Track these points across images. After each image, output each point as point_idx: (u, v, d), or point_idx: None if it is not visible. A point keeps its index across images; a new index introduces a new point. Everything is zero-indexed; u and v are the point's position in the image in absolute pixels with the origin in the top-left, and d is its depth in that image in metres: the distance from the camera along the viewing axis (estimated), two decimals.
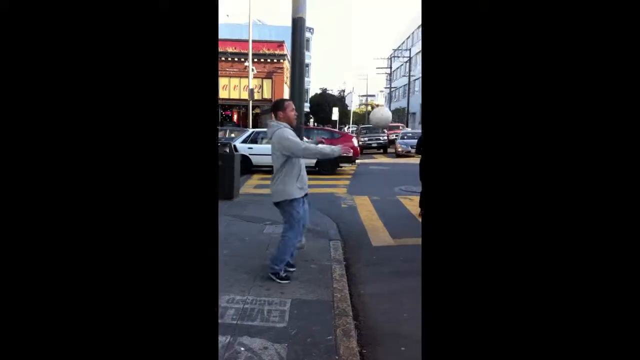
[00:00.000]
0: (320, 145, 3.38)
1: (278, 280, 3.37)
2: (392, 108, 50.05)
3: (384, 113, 3.26)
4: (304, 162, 3.45)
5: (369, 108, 60.94)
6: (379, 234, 5.27)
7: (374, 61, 76.53)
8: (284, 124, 3.32)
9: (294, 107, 3.46)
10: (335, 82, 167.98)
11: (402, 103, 46.63)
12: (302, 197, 3.39)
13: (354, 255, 4.42)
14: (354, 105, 24.51)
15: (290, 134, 3.25)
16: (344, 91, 56.63)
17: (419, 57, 46.13)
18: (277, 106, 3.42)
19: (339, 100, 49.48)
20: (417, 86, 46.33)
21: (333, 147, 3.41)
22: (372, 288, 3.56)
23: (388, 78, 51.34)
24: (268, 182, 3.59)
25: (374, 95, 73.27)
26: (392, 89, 53.40)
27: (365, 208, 6.70)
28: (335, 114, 24.50)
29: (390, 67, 48.73)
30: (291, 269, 3.59)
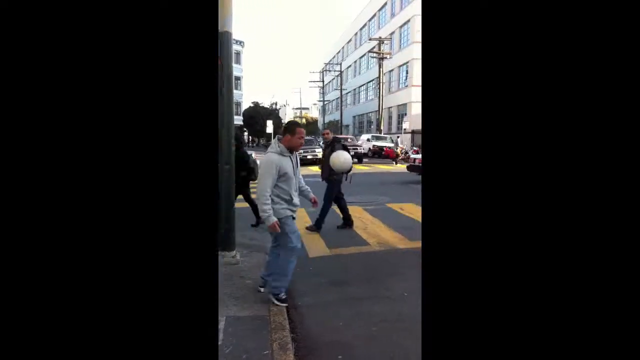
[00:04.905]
0: (265, 208, 3.09)
1: (277, 302, 3.28)
2: (326, 120, 50.99)
3: (346, 159, 3.14)
4: (295, 187, 3.34)
5: (303, 120, 61.58)
6: (315, 245, 5.30)
7: (307, 74, 77.69)
8: (280, 149, 3.21)
9: (304, 134, 3.36)
10: (267, 96, 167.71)
11: (335, 115, 47.67)
12: (292, 217, 3.31)
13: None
14: (287, 118, 24.72)
15: (272, 166, 3.12)
16: (276, 104, 56.77)
17: (350, 71, 47.61)
18: (286, 129, 3.30)
19: (272, 113, 49.49)
20: (349, 99, 47.67)
21: (270, 220, 3.10)
22: (309, 299, 3.57)
23: (321, 91, 52.32)
24: None
25: (307, 108, 74.25)
26: (325, 102, 54.45)
27: (301, 220, 6.72)
28: (269, 127, 24.50)
29: (323, 81, 49.72)
30: (261, 289, 3.53)
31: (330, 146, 5.97)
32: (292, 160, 3.27)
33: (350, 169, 3.35)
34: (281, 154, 3.21)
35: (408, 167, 13.26)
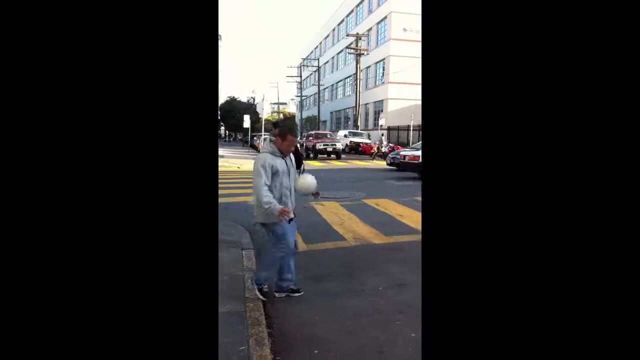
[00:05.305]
0: (267, 201, 3.11)
1: (259, 295, 3.35)
2: (304, 116, 50.86)
3: (310, 183, 3.18)
4: (288, 187, 3.33)
5: (281, 116, 61.24)
6: None
7: (285, 69, 77.19)
8: (272, 149, 3.26)
9: (294, 142, 3.41)
10: (244, 90, 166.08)
11: (313, 111, 47.63)
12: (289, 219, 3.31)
13: None
14: (265, 113, 24.47)
15: (264, 164, 3.17)
16: (254, 99, 56.27)
17: (327, 67, 47.56)
18: (280, 132, 3.35)
19: (249, 108, 49.04)
20: (327, 95, 47.67)
21: (276, 208, 3.12)
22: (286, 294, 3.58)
23: (298, 86, 52.14)
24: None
25: (285, 103, 73.86)
26: (303, 97, 54.31)
27: None
28: (246, 122, 24.24)
29: (301, 76, 49.54)
30: (296, 294, 3.53)
31: None
32: (285, 162, 3.30)
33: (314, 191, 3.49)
34: (273, 153, 3.27)
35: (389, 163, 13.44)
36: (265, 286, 3.44)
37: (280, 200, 3.25)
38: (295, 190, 3.46)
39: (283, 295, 3.51)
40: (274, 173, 3.21)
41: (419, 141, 18.73)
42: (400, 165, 13.05)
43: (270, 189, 3.20)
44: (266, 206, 3.13)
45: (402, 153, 13.14)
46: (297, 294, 3.50)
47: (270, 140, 3.37)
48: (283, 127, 3.48)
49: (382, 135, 25.69)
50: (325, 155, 21.30)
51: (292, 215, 3.33)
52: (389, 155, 16.26)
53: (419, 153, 11.59)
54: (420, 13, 1.30)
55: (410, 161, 12.26)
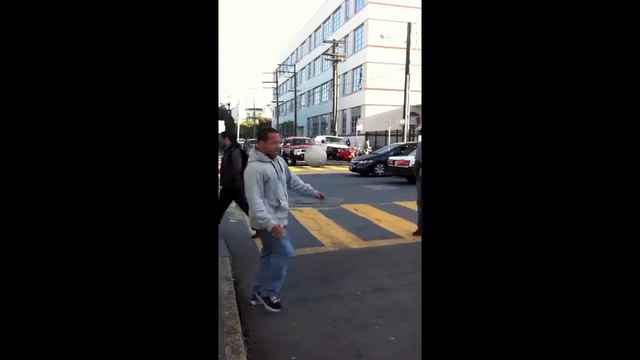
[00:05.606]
0: (261, 216, 3.03)
1: (270, 308, 3.25)
2: (280, 122, 50.84)
3: (321, 154, 3.33)
4: (283, 191, 3.28)
5: (256, 121, 60.96)
6: None
7: (260, 75, 77.19)
8: (259, 156, 3.16)
9: (278, 139, 3.27)
10: (221, 97, 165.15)
11: (290, 117, 47.62)
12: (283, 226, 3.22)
13: (243, 271, 4.34)
14: (240, 118, 24.25)
15: (255, 175, 3.07)
16: (229, 104, 55.90)
17: (304, 73, 47.73)
18: (259, 135, 3.25)
19: (225, 113, 48.66)
20: (304, 101, 47.79)
21: (269, 225, 3.05)
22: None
23: (275, 92, 52.08)
24: None
25: (261, 109, 73.60)
26: (279, 103, 54.26)
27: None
28: (221, 127, 24.00)
29: (277, 82, 49.51)
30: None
31: (228, 152, 5.59)
32: (274, 166, 3.21)
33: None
34: (261, 160, 3.17)
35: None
36: (274, 298, 3.31)
37: (278, 207, 3.21)
38: (309, 161, 3.42)
39: (254, 303, 3.43)
40: (266, 181, 3.13)
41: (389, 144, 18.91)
42: (390, 170, 13.09)
43: (266, 196, 3.13)
44: (260, 221, 3.05)
45: (390, 158, 13.20)
46: (275, 309, 3.32)
47: (256, 148, 3.28)
48: (261, 129, 3.40)
49: (367, 140, 25.88)
50: (304, 161, 21.27)
51: (284, 227, 3.25)
52: (352, 161, 16.24)
53: (409, 158, 11.64)
54: (397, 20, 1.31)
55: (399, 166, 12.34)
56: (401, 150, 14.53)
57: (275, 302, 3.31)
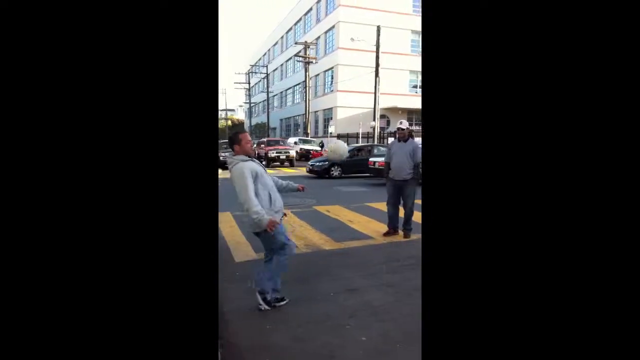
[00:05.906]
0: (256, 210, 3.03)
1: (264, 305, 3.31)
2: (253, 123, 50.47)
3: (344, 148, 3.53)
4: (272, 184, 3.31)
5: (229, 122, 60.27)
6: (242, 249, 5.24)
7: (232, 75, 76.29)
8: (242, 157, 3.18)
9: (249, 139, 3.31)
10: None
11: (262, 118, 47.36)
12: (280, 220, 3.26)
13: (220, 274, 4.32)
14: None
15: (247, 172, 3.09)
16: None
17: (276, 74, 47.56)
18: (232, 140, 3.27)
19: None
20: (276, 102, 47.60)
21: (264, 219, 3.06)
22: (235, 304, 3.52)
23: (247, 93, 51.68)
24: None
25: (233, 110, 72.91)
26: (252, 104, 53.86)
27: (227, 224, 6.61)
28: None
29: (249, 83, 49.15)
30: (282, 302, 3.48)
31: None
32: (256, 163, 3.28)
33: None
34: (244, 160, 3.21)
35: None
36: (269, 295, 3.38)
37: (273, 203, 3.26)
38: (330, 152, 3.53)
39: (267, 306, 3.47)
40: (255, 177, 3.17)
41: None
42: (371, 172, 13.15)
43: (257, 193, 3.15)
44: (254, 216, 3.07)
45: (371, 159, 13.31)
46: (268, 307, 3.40)
47: (232, 154, 3.32)
48: (230, 136, 3.42)
49: (346, 142, 26.00)
50: (278, 163, 21.18)
51: (279, 221, 3.32)
52: (309, 163, 16.16)
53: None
54: (367, 23, 1.35)
55: (380, 167, 12.49)
56: (357, 152, 14.76)
57: (269, 299, 3.39)
